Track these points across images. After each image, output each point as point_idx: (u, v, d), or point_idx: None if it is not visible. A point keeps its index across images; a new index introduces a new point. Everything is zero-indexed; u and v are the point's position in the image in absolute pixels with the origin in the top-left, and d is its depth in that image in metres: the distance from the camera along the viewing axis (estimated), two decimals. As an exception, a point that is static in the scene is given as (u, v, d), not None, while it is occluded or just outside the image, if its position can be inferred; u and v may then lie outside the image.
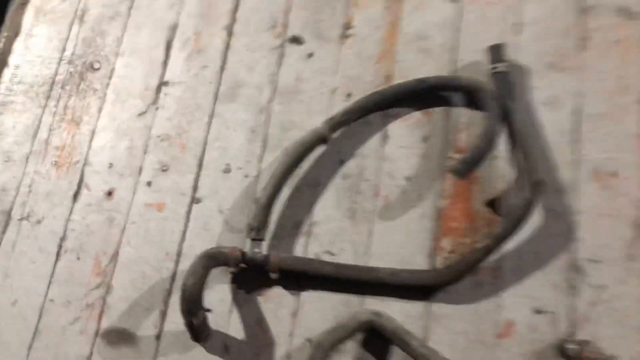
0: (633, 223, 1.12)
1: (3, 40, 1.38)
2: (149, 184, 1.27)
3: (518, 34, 1.26)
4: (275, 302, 1.16)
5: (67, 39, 1.42)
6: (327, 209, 1.21)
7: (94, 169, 1.30)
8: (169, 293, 1.21)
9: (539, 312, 1.09)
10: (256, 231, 1.15)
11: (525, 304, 1.09)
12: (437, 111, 1.25)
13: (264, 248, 1.15)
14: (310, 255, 1.18)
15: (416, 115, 1.25)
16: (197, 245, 1.21)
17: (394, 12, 1.33)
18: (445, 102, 1.25)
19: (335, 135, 1.23)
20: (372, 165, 1.23)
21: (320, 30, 1.34)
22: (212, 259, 1.11)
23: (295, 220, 1.21)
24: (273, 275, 1.13)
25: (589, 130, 1.19)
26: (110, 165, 1.29)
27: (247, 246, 1.16)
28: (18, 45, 1.45)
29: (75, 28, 1.42)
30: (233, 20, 1.38)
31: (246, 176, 1.25)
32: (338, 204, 1.21)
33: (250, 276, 1.16)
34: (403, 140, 1.24)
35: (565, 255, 1.11)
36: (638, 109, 1.18)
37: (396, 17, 1.32)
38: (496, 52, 1.21)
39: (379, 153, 1.23)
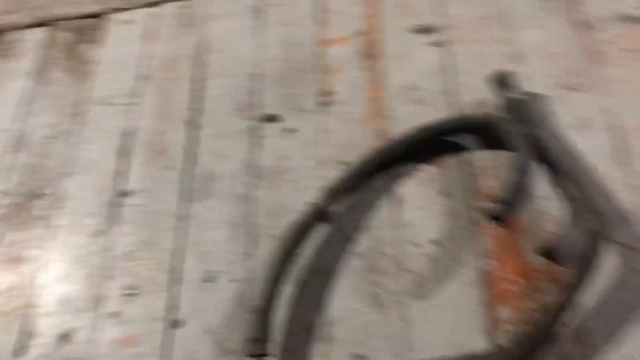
0: None
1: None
2: (115, 315, 0.99)
3: (521, 64, 1.11)
4: None
5: (9, 168, 1.22)
6: (344, 301, 0.94)
7: (42, 311, 1.02)
8: None
9: (655, 379, 0.80)
10: (256, 345, 0.87)
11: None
12: (450, 160, 1.04)
13: (271, 364, 0.86)
14: (335, 366, 0.89)
15: (426, 170, 1.04)
16: (184, 383, 0.92)
17: (375, 69, 1.18)
18: (457, 148, 1.05)
19: (337, 209, 1.00)
20: (388, 236, 0.98)
21: (298, 104, 1.17)
22: None
23: (306, 324, 0.93)
24: None
25: (637, 145, 0.99)
26: (64, 302, 1.03)
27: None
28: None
29: (15, 155, 1.23)
30: (196, 112, 1.21)
31: (232, 281, 0.99)
32: (356, 293, 0.94)
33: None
34: (419, 200, 1.01)
35: (664, 298, 0.85)
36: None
37: (378, 74, 1.17)
38: (503, 80, 1.04)
39: (393, 221, 1.00)
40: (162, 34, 1.37)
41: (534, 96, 1.06)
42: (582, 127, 1.02)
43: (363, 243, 0.99)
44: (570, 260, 0.87)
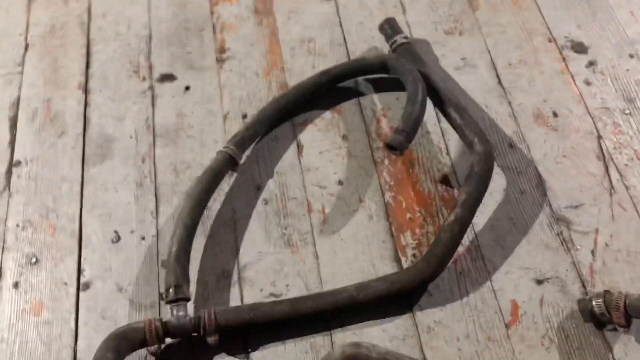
0: (596, 156, 0.99)
1: None
2: (15, 285, 0.95)
3: (404, 13, 1.18)
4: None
5: None
6: (256, 245, 0.96)
7: None
8: None
9: (540, 281, 0.89)
10: (175, 290, 0.86)
11: (524, 279, 0.89)
12: (347, 105, 1.09)
13: (190, 310, 0.86)
14: (251, 307, 0.90)
15: (326, 116, 1.08)
16: (97, 344, 0.89)
17: (268, 24, 1.20)
18: (352, 94, 1.10)
19: (244, 157, 1.02)
20: (295, 181, 1.01)
21: (192, 62, 1.17)
22: (123, 341, 0.80)
23: (219, 271, 0.94)
24: (211, 340, 0.83)
25: (512, 80, 1.08)
26: (-41, 279, 0.96)
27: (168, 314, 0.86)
28: None
29: None
30: (87, 77, 1.17)
31: (143, 238, 0.97)
32: (267, 236, 0.96)
33: (180, 353, 0.86)
34: (321, 145, 1.05)
35: (543, 211, 0.95)
36: (552, 46, 1.11)
37: (272, 29, 1.19)
38: (389, 26, 1.10)
39: (298, 166, 1.03)
40: (43, 0, 1.30)
41: (417, 42, 1.12)
42: (462, 68, 1.10)
43: (270, 189, 1.01)
44: (466, 181, 0.93)
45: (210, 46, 1.19)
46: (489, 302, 0.88)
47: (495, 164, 0.98)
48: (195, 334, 0.84)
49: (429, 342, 0.85)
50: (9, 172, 1.07)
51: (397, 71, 1.02)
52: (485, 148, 0.93)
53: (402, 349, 0.85)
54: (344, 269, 0.92)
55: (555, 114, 1.04)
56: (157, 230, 0.98)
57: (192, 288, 0.91)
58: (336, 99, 1.09)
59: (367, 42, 1.16)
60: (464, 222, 0.88)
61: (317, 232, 0.96)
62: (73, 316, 0.91)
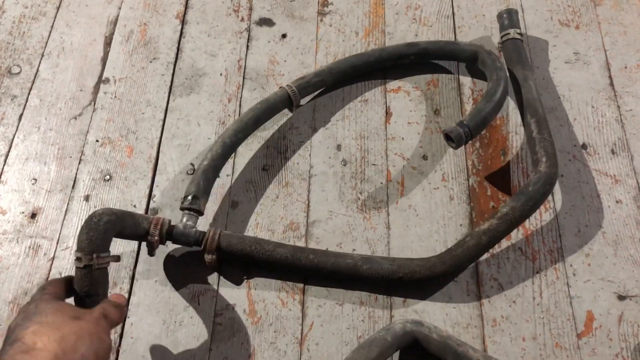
0: None
1: None
2: (86, 198, 0.95)
3: (521, -2, 1.11)
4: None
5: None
6: (328, 204, 0.93)
7: (10, 187, 0.97)
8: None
9: (622, 297, 0.83)
10: (192, 200, 0.85)
11: (605, 291, 0.83)
12: (445, 80, 1.04)
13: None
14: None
15: (421, 86, 1.03)
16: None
17: (376, -16, 1.15)
18: (450, 72, 1.05)
19: (331, 120, 0.99)
20: (378, 147, 0.98)
21: (293, 10, 1.14)
22: (129, 218, 0.79)
23: (287, 222, 0.92)
24: (208, 258, 0.82)
25: (625, 83, 1.01)
26: (34, 181, 0.97)
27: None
28: None
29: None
30: (185, 7, 1.16)
31: (218, 176, 0.96)
32: (341, 197, 0.94)
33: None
34: (411, 115, 1.01)
35: (637, 225, 0.88)
36: (674, 55, 1.03)
37: (380, -10, 1.15)
38: (508, 17, 1.03)
39: (383, 133, 0.99)
40: None
41: (535, 40, 1.06)
42: (573, 63, 1.04)
43: (351, 151, 0.98)
44: (516, 194, 0.85)
45: (314, -2, 1.16)
46: (563, 307, 0.83)
47: (592, 168, 0.93)
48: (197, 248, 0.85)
49: (492, 336, 0.81)
50: (96, 88, 1.07)
51: (485, 65, 0.96)
52: (550, 171, 0.85)
53: (463, 337, 0.81)
54: (415, 245, 0.89)
55: (666, 127, 0.96)
56: (233, 171, 0.97)
57: (262, 233, 0.90)
58: (436, 71, 1.04)
59: (477, 18, 1.10)
60: (496, 235, 0.81)
61: (392, 202, 0.93)
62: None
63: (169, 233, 0.83)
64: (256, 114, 0.95)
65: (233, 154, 0.98)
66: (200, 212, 0.87)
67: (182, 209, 0.86)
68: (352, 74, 1.03)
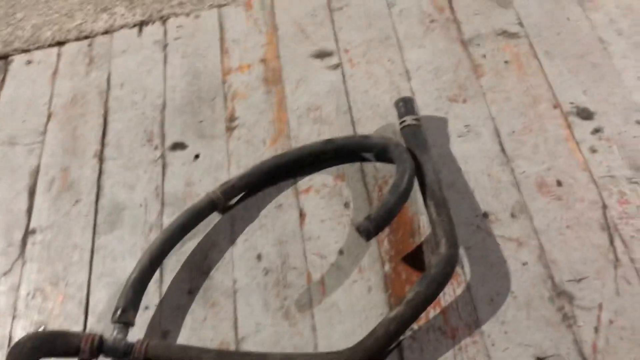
0: (600, 227, 0.97)
1: None
2: (23, 353, 0.97)
3: (409, 80, 1.20)
4: None
5: None
6: (254, 316, 0.96)
7: (-53, 356, 0.99)
8: None
9: (541, 359, 0.86)
10: (122, 313, 0.90)
11: (523, 356, 0.87)
12: (350, 172, 1.10)
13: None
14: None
15: (329, 183, 1.09)
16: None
17: (277, 93, 1.23)
18: (356, 159, 1.11)
19: (247, 227, 1.04)
20: (296, 250, 1.02)
21: (202, 130, 1.21)
22: (59, 338, 0.85)
23: (217, 343, 0.94)
24: None
25: (515, 147, 1.08)
26: (-30, 345, 1.00)
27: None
28: None
29: None
30: (102, 145, 1.22)
31: (147, 307, 0.99)
32: (266, 307, 0.97)
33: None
34: (323, 213, 1.06)
35: (544, 285, 0.93)
36: (557, 112, 1.10)
37: (281, 97, 1.22)
38: (404, 104, 1.11)
39: (300, 235, 1.04)
40: (67, 72, 1.37)
41: (433, 119, 1.14)
42: (465, 136, 1.11)
43: (271, 259, 1.02)
44: (420, 279, 0.88)
45: (221, 114, 1.23)
46: (487, 380, 0.85)
47: (495, 234, 0.98)
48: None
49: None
50: (24, 240, 1.11)
51: (393, 156, 1.03)
52: (450, 252, 0.90)
53: None
54: (341, 343, 0.91)
55: (559, 183, 1.02)
56: (160, 300, 1.00)
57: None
58: (340, 166, 1.11)
59: (372, 109, 1.18)
60: (403, 321, 0.84)
61: (316, 303, 0.96)
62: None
63: (99, 348, 0.87)
64: (182, 222, 1.01)
65: (160, 280, 1.02)
66: (130, 324, 0.91)
67: (112, 322, 0.91)
68: (274, 173, 1.10)
